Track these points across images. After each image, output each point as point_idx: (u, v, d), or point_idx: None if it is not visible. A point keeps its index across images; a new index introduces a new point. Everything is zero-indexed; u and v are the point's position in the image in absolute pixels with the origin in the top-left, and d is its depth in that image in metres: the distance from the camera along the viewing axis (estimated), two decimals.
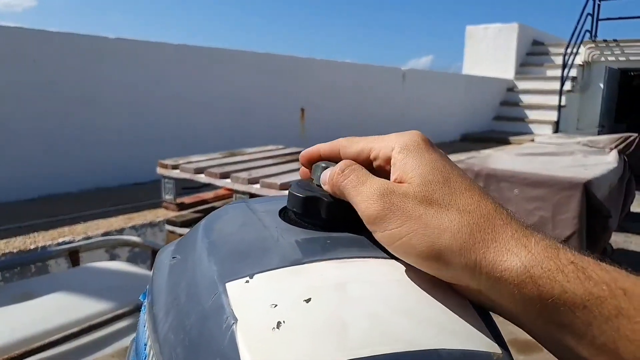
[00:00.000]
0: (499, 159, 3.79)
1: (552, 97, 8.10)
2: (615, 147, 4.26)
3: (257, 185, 1.97)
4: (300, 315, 0.33)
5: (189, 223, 2.17)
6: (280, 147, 2.81)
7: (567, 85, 7.84)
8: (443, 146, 7.22)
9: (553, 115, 7.96)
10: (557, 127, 7.84)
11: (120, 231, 3.06)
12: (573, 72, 7.87)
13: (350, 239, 0.44)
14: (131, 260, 2.65)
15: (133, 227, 3.17)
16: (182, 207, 2.29)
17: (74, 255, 1.84)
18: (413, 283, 0.37)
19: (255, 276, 0.38)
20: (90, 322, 1.24)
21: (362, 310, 0.34)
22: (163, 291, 0.46)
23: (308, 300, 0.35)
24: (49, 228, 2.97)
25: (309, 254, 0.41)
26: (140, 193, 3.98)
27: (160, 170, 2.27)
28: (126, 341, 1.26)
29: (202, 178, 2.14)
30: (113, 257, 2.76)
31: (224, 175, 2.07)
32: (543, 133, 7.86)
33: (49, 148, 3.60)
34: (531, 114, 8.56)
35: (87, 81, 3.78)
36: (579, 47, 7.72)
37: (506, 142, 7.55)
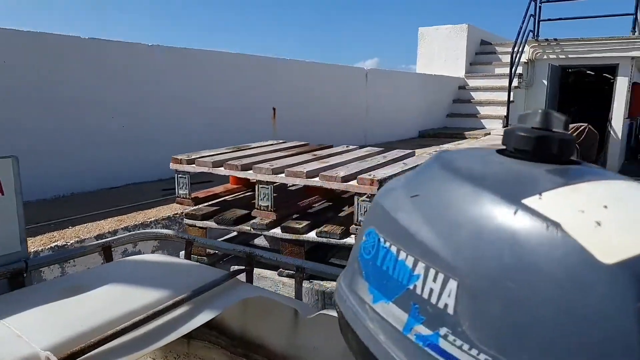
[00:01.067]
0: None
1: (501, 93, 8.56)
2: None
3: (282, 175, 2.04)
4: (608, 216, 0.42)
5: (209, 216, 2.20)
6: (281, 141, 2.88)
7: (515, 82, 8.32)
8: (405, 143, 7.49)
9: (502, 110, 8.42)
10: (507, 122, 8.30)
11: (130, 228, 3.02)
12: (519, 70, 8.35)
13: (580, 168, 0.55)
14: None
15: (142, 224, 3.16)
16: (197, 201, 2.31)
17: (107, 251, 1.84)
18: (631, 194, 0.49)
19: (543, 194, 0.48)
20: (154, 309, 1.28)
21: None
22: (421, 222, 0.54)
23: (606, 207, 0.44)
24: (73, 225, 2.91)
25: (566, 178, 0.51)
26: (116, 195, 3.92)
27: (173, 166, 2.29)
28: (187, 327, 1.30)
29: (221, 171, 2.18)
30: (125, 252, 2.75)
31: (245, 167, 2.13)
32: (494, 127, 8.31)
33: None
34: (482, 110, 9.00)
35: (53, 82, 3.67)
36: (524, 46, 8.21)
37: (462, 137, 7.91)
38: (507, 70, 8.25)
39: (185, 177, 2.30)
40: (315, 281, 1.87)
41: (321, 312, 1.17)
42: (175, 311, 1.28)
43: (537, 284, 0.40)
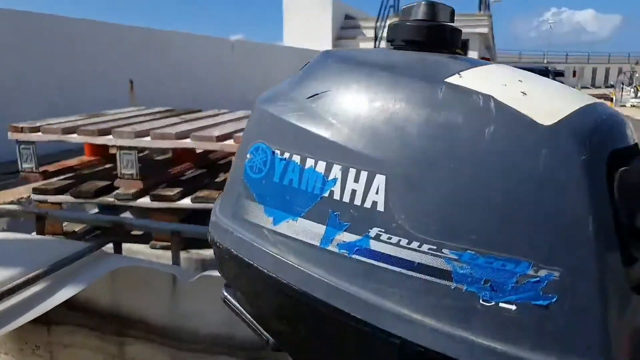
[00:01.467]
0: None
1: None
2: None
3: (148, 138, 1.84)
4: (528, 88, 0.41)
5: (63, 189, 1.92)
6: (142, 107, 2.62)
7: None
8: None
9: None
10: None
11: None
12: (382, 45, 8.71)
13: (469, 57, 0.56)
14: None
15: None
16: (46, 175, 2.00)
17: None
18: (528, 73, 0.50)
19: (462, 73, 0.45)
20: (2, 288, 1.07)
21: (549, 85, 0.44)
22: (329, 121, 0.47)
23: (521, 81, 0.43)
24: None
25: (469, 62, 0.50)
26: None
27: (14, 135, 1.94)
28: (44, 307, 1.11)
29: (74, 138, 1.90)
30: None
31: (104, 132, 1.87)
32: None
33: None
34: None
35: None
36: (386, 21, 8.57)
37: None
38: (371, 44, 8.56)
39: (29, 148, 1.97)
40: (193, 250, 1.72)
41: (202, 274, 1.05)
42: (28, 290, 1.08)
43: (478, 158, 0.35)
